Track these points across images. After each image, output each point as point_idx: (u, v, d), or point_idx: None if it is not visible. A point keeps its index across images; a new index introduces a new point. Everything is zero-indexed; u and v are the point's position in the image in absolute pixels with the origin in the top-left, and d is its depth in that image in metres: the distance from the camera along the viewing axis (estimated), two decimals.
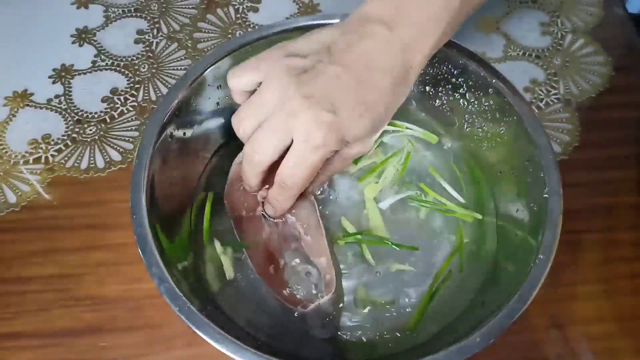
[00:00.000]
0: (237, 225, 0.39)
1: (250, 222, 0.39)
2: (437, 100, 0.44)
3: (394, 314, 0.37)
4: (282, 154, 0.33)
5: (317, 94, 0.30)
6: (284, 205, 0.36)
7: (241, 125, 0.33)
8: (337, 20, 0.41)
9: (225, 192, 0.40)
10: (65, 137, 0.47)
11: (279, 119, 0.31)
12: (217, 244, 0.39)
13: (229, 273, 0.38)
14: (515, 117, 0.38)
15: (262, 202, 0.39)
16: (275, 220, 0.39)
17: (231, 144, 0.43)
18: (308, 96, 0.30)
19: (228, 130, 0.43)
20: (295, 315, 0.36)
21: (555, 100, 0.49)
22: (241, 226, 0.39)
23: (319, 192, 0.41)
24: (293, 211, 0.38)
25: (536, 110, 0.48)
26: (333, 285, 0.36)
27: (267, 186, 0.40)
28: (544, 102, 0.49)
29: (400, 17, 0.32)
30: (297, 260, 0.38)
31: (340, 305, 0.37)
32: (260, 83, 0.33)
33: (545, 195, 0.35)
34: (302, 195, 0.39)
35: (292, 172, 0.33)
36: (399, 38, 0.32)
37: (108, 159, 0.46)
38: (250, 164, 0.34)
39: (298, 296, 0.36)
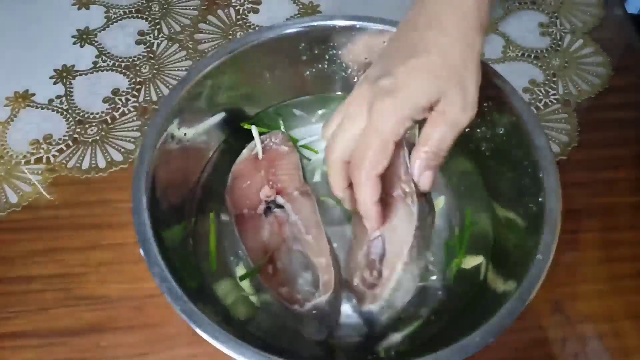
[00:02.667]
0: (238, 223, 0.39)
1: (251, 220, 0.39)
2: None
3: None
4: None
5: (373, 73, 0.31)
6: (367, 200, 0.31)
7: (325, 132, 0.34)
8: (337, 21, 0.42)
9: (227, 190, 0.40)
10: (67, 138, 0.47)
11: (348, 110, 0.32)
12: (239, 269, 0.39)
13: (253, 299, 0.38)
14: (514, 118, 0.38)
15: (265, 200, 0.39)
16: (278, 216, 0.39)
17: (231, 143, 0.44)
18: (367, 78, 0.31)
19: (228, 130, 0.44)
20: (292, 313, 0.36)
21: (554, 101, 0.49)
22: (242, 224, 0.39)
23: None
24: (296, 208, 0.38)
25: (535, 111, 0.49)
26: (331, 285, 0.36)
27: (269, 184, 0.40)
28: (542, 102, 0.49)
29: None
30: (297, 259, 0.38)
31: (337, 305, 0.37)
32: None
33: (544, 196, 0.35)
34: (306, 195, 0.39)
35: (363, 147, 0.30)
36: None
37: (109, 159, 0.46)
38: (329, 164, 0.33)
39: (296, 295, 0.36)
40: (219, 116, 0.43)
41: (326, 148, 0.33)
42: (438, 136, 0.31)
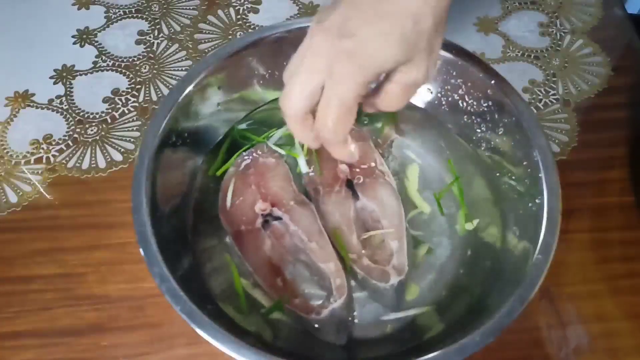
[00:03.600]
0: (237, 241, 0.38)
1: (250, 236, 0.38)
2: (436, 102, 0.44)
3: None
4: (315, 101, 0.30)
5: (333, 25, 0.28)
6: (343, 153, 0.32)
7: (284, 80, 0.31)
8: None
9: (220, 208, 0.40)
10: (67, 138, 0.47)
11: (306, 61, 0.29)
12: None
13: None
14: (514, 118, 0.38)
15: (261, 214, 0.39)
16: (277, 228, 0.38)
17: (232, 143, 0.43)
18: (325, 30, 0.28)
19: (228, 130, 0.44)
20: (309, 322, 0.35)
21: (554, 101, 0.49)
22: (241, 241, 0.38)
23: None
24: (294, 218, 0.38)
25: (535, 111, 0.49)
26: (345, 288, 0.35)
27: (263, 198, 0.39)
28: (542, 102, 0.49)
29: None
30: (304, 268, 0.38)
31: (352, 308, 0.37)
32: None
33: (544, 196, 0.35)
34: (303, 204, 0.39)
35: (323, 115, 0.29)
36: None
37: (109, 159, 0.46)
38: (286, 117, 0.31)
39: (310, 304, 0.36)
40: (219, 116, 0.43)
41: (283, 99, 0.31)
42: (397, 96, 0.31)
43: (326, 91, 0.29)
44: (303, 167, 0.41)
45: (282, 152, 0.43)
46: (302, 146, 0.42)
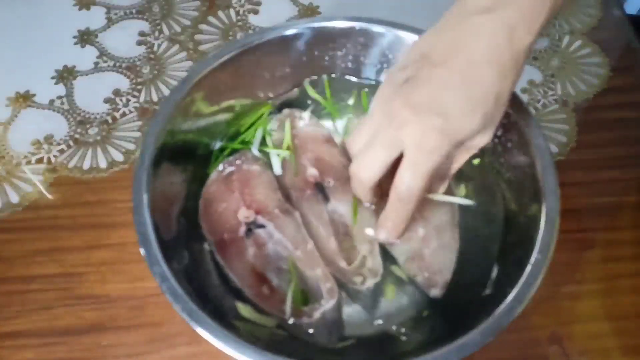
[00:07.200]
0: (220, 250, 0.37)
1: (233, 244, 0.37)
2: None
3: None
4: (389, 168, 0.33)
5: (423, 101, 0.30)
6: (400, 224, 0.34)
7: (352, 146, 0.34)
8: (337, 22, 0.42)
9: (200, 216, 0.39)
10: (68, 138, 0.47)
11: (387, 133, 0.32)
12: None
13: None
14: (512, 119, 0.38)
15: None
16: (259, 237, 0.37)
17: (232, 143, 0.44)
18: (414, 105, 0.30)
19: (229, 130, 0.44)
20: (300, 326, 0.35)
21: (553, 102, 0.50)
22: (224, 250, 0.37)
23: None
24: (279, 226, 0.37)
25: (533, 111, 0.49)
26: (336, 291, 0.35)
27: (246, 205, 0.38)
28: (541, 103, 0.50)
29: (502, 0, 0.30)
30: (288, 275, 0.37)
31: (341, 310, 0.37)
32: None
33: (543, 196, 0.35)
34: (288, 212, 0.38)
35: (409, 183, 0.32)
36: (503, 23, 0.29)
37: (110, 160, 0.46)
38: (358, 182, 0.34)
39: (301, 307, 0.35)
40: (220, 117, 0.43)
41: (358, 168, 0.34)
42: (464, 158, 0.34)
43: (416, 159, 0.31)
44: (277, 168, 0.41)
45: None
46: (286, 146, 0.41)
